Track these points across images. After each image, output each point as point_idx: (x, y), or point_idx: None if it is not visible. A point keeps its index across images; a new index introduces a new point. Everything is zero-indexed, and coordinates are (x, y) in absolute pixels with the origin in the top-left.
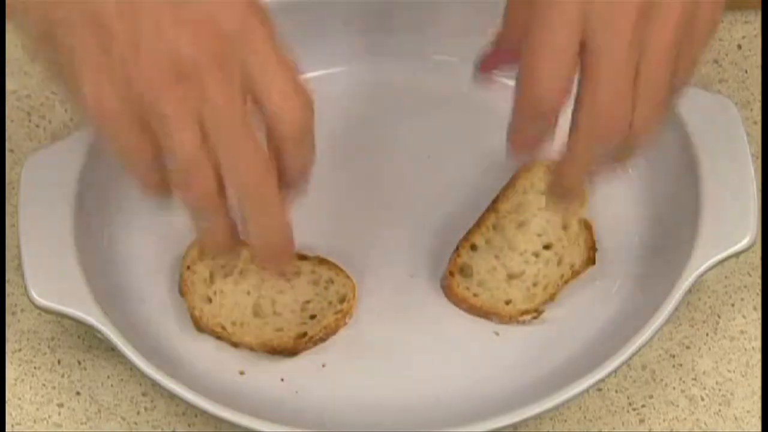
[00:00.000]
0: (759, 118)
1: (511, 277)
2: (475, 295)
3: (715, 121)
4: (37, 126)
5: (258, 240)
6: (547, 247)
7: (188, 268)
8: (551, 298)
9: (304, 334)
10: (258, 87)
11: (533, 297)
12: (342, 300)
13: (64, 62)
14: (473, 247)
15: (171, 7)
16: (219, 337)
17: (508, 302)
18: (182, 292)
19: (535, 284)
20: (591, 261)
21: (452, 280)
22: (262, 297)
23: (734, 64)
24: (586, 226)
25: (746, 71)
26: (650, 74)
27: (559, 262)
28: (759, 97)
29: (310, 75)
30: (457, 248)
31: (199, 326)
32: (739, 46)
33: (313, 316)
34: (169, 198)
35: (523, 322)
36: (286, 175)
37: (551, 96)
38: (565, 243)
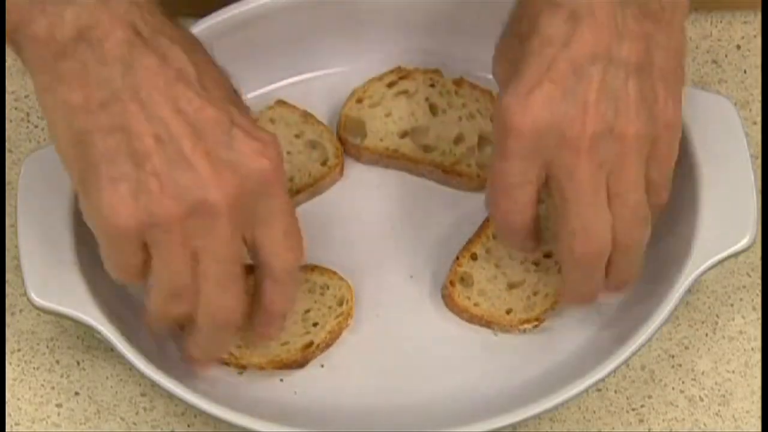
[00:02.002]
0: (758, 119)
1: (511, 286)
2: (475, 304)
3: (714, 121)
4: (36, 126)
5: (195, 351)
6: (547, 255)
7: None
8: (552, 306)
9: (310, 343)
10: (261, 232)
11: (533, 306)
12: (341, 303)
13: (91, 165)
14: (474, 257)
15: (205, 145)
16: (226, 364)
17: (508, 311)
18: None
19: (535, 293)
20: None
21: (453, 289)
22: None
23: (733, 64)
24: None
25: (745, 71)
26: (620, 190)
27: (560, 270)
28: (758, 97)
29: (310, 75)
30: (458, 258)
31: None
32: (738, 47)
33: (315, 324)
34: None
35: (524, 331)
36: (266, 310)
37: (518, 223)
38: None
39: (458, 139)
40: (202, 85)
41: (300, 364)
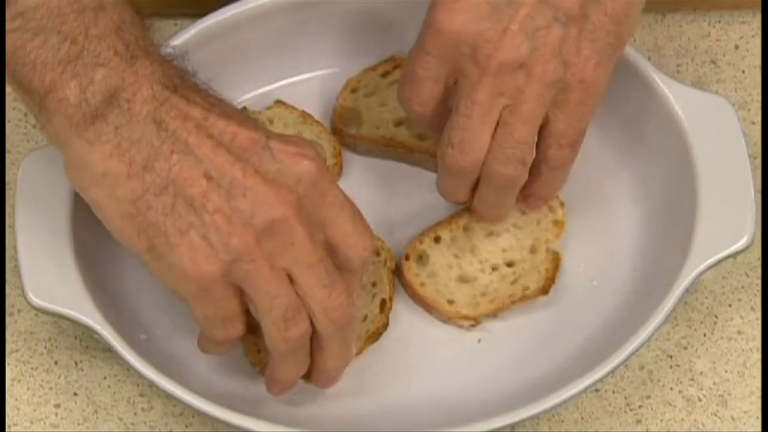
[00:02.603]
0: (756, 119)
1: (462, 280)
2: (422, 284)
3: (713, 121)
4: (34, 126)
5: (331, 362)
6: (509, 264)
7: None
8: (494, 313)
9: (383, 301)
10: (332, 230)
11: (476, 305)
12: (378, 252)
13: (154, 230)
14: (437, 239)
15: (253, 166)
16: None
17: (450, 302)
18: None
19: (483, 294)
20: (544, 291)
21: (405, 263)
22: None
23: (731, 64)
24: (554, 258)
25: (744, 71)
26: (509, 121)
27: (514, 282)
28: (756, 98)
29: (308, 75)
30: (421, 235)
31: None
32: (737, 47)
33: (374, 284)
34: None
35: (461, 327)
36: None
37: (418, 113)
38: (527, 266)
39: None
40: (226, 115)
41: (386, 325)
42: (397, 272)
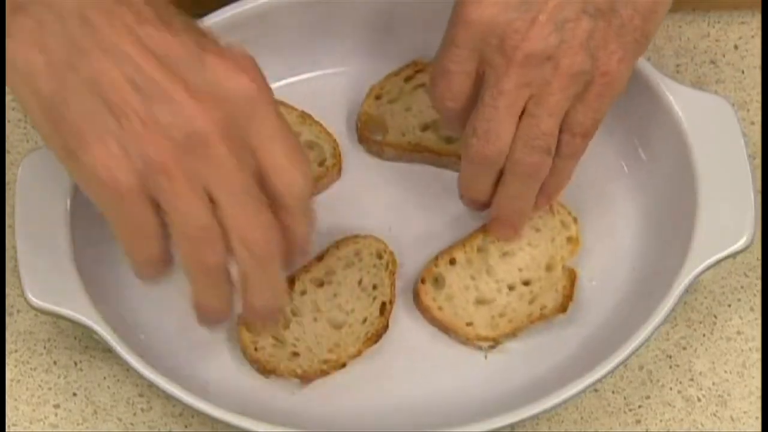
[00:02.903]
0: (756, 119)
1: (480, 301)
2: (439, 308)
3: (712, 121)
4: (33, 127)
5: (257, 300)
6: (525, 283)
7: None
8: (513, 333)
9: (383, 304)
10: (262, 157)
11: (495, 326)
12: (380, 255)
13: (72, 130)
14: (452, 261)
15: (180, 76)
16: (325, 372)
17: (469, 324)
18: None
19: (501, 315)
20: (563, 309)
21: (422, 287)
22: (327, 313)
23: (731, 64)
24: (570, 275)
25: (743, 72)
26: (534, 112)
27: (532, 301)
28: (756, 98)
29: (307, 75)
30: (437, 258)
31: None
32: (736, 47)
33: (375, 287)
34: (163, 275)
35: (479, 348)
36: (290, 241)
37: (450, 109)
38: (544, 284)
39: None
40: (163, 20)
41: (386, 327)
42: (414, 296)
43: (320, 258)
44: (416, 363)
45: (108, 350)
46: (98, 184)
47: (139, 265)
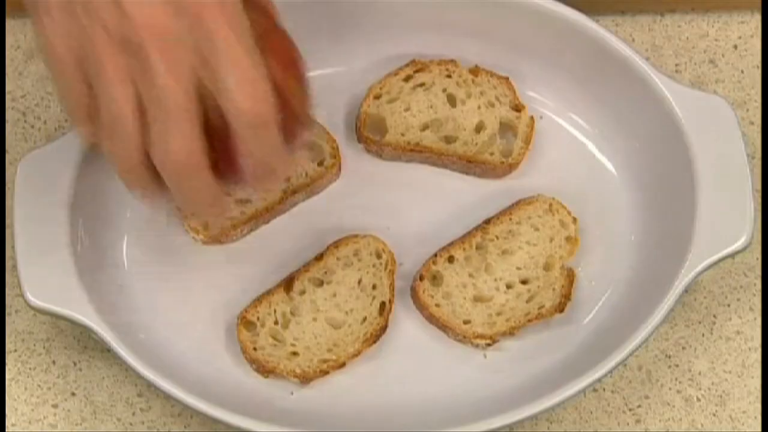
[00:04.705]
0: (755, 119)
1: (477, 299)
2: (437, 305)
3: (711, 121)
4: (32, 127)
5: (185, 207)
6: (523, 282)
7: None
8: (511, 331)
9: (383, 304)
10: (212, 73)
11: (493, 325)
12: (379, 255)
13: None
14: (450, 259)
15: None
16: (327, 371)
17: (466, 322)
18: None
19: (498, 313)
20: (560, 308)
21: (419, 284)
22: (326, 313)
23: (730, 64)
24: (569, 275)
25: (742, 71)
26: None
27: (529, 300)
28: (755, 97)
29: (309, 75)
30: (435, 255)
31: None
32: (735, 47)
33: (374, 287)
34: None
35: (476, 346)
36: (247, 164)
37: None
38: (542, 283)
39: (479, 128)
40: None
41: (385, 327)
42: (412, 294)
43: (319, 257)
44: (415, 362)
45: (107, 350)
46: (42, 49)
47: (80, 133)
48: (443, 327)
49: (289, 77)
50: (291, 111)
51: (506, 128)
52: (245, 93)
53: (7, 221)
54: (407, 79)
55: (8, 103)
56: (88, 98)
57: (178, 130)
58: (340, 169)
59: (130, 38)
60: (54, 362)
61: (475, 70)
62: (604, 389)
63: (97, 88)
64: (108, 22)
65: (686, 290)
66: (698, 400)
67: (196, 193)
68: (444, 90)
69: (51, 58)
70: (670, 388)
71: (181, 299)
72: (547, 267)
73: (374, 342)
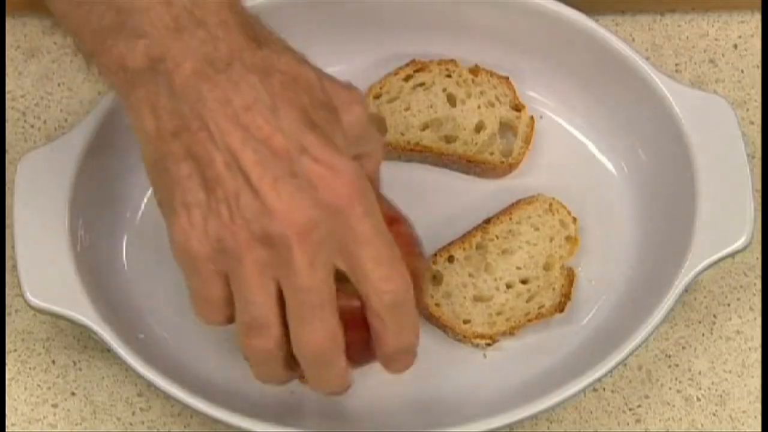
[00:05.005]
0: (755, 118)
1: (477, 299)
2: (436, 304)
3: (711, 121)
4: (32, 126)
5: (318, 389)
6: (523, 281)
7: None
8: (511, 331)
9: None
10: (350, 262)
11: (493, 324)
12: None
13: (167, 191)
14: (450, 259)
15: (273, 174)
16: None
17: (466, 321)
18: None
19: (498, 313)
20: (560, 308)
21: None
22: None
23: (730, 64)
24: (569, 275)
25: (742, 71)
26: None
27: (529, 300)
28: (755, 97)
29: None
30: (435, 255)
31: None
32: (735, 46)
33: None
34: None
35: (476, 346)
36: (381, 345)
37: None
38: (542, 283)
39: (479, 128)
40: (274, 111)
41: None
42: None
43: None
44: (415, 362)
45: (107, 350)
46: (176, 247)
47: (204, 322)
48: (443, 327)
49: (412, 259)
50: (417, 290)
51: (506, 128)
52: (386, 276)
53: (7, 221)
54: (407, 78)
55: (8, 103)
56: (224, 294)
57: (321, 322)
58: None
59: (272, 233)
60: (54, 362)
61: (475, 70)
62: (604, 389)
63: (235, 285)
64: (250, 217)
65: (686, 290)
66: (698, 399)
67: (331, 378)
68: (444, 90)
69: (186, 256)
70: (670, 388)
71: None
72: (547, 267)
73: None
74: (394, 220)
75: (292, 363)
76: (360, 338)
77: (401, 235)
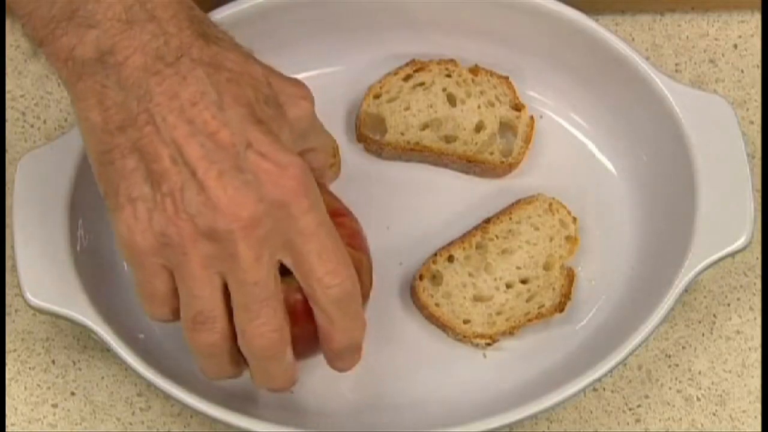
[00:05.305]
0: (755, 118)
1: (477, 299)
2: (436, 304)
3: (711, 120)
4: (32, 126)
5: (263, 384)
6: (523, 281)
7: None
8: (511, 331)
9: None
10: (295, 257)
11: (492, 324)
12: None
13: (112, 184)
14: (450, 259)
15: (218, 169)
16: None
17: (466, 321)
18: None
19: (498, 313)
20: (560, 308)
21: (419, 284)
22: None
23: (730, 63)
24: (569, 274)
25: (742, 71)
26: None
27: (529, 299)
28: (755, 97)
29: (306, 75)
30: (435, 254)
31: None
32: (735, 46)
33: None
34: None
35: (476, 346)
36: (326, 341)
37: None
38: (542, 283)
39: (479, 127)
40: (220, 106)
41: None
42: (411, 293)
43: None
44: (415, 362)
45: (106, 350)
46: (121, 241)
47: (150, 317)
48: (443, 326)
49: (358, 253)
50: (362, 284)
51: (506, 128)
52: (332, 270)
53: (7, 221)
54: (407, 78)
55: (8, 103)
56: (169, 288)
57: (266, 316)
58: (339, 168)
59: (217, 228)
60: (54, 362)
61: (474, 70)
62: (604, 389)
63: (180, 279)
64: (195, 212)
65: (686, 290)
66: (698, 399)
67: (278, 373)
68: (444, 89)
69: (131, 250)
70: (670, 388)
71: None
72: (547, 266)
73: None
74: (339, 213)
75: (239, 358)
76: (307, 332)
77: (346, 227)
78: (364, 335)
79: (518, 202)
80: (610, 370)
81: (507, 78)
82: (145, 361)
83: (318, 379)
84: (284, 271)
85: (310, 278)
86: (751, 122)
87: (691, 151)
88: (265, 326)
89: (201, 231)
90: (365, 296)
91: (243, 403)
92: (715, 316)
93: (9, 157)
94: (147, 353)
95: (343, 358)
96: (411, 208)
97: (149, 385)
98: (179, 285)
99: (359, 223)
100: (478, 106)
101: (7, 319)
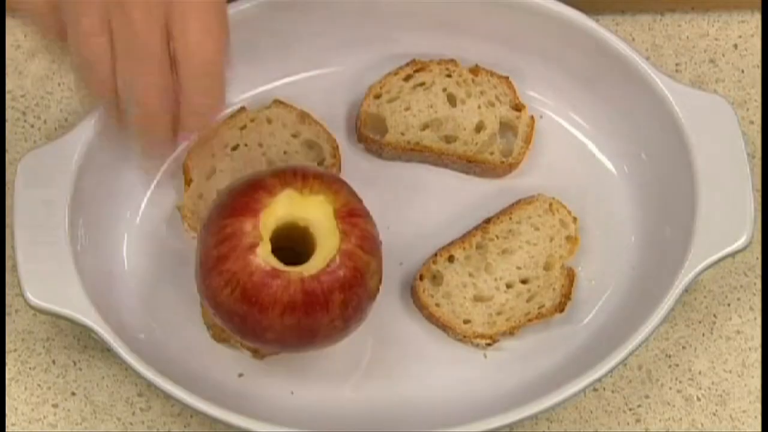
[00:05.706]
0: (755, 118)
1: (477, 299)
2: (437, 304)
3: (712, 120)
4: (32, 126)
5: (142, 142)
6: (523, 281)
7: None
8: (511, 331)
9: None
10: (173, 18)
11: (493, 324)
12: None
13: None
14: (450, 259)
15: None
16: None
17: (466, 321)
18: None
19: (498, 313)
20: (560, 308)
21: (419, 284)
22: None
23: (730, 63)
24: (569, 274)
25: (743, 71)
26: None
27: (529, 300)
28: (755, 97)
29: (306, 74)
30: (435, 254)
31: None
32: (736, 46)
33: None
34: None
35: (476, 346)
36: (186, 105)
37: None
38: (542, 283)
39: (479, 128)
40: None
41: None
42: (412, 293)
43: None
44: (415, 362)
45: (107, 350)
46: None
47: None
48: (443, 327)
49: (366, 254)
50: (366, 287)
51: (506, 128)
52: (198, 36)
53: (7, 221)
54: (407, 78)
55: (8, 103)
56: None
57: (146, 68)
58: (340, 168)
59: None
60: (54, 362)
61: (475, 70)
62: (604, 389)
63: (70, 22)
64: None
65: (686, 290)
66: (698, 399)
67: (157, 127)
68: (444, 89)
69: (25, 5)
70: (670, 388)
71: (181, 299)
72: (547, 266)
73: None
74: (355, 214)
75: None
76: (304, 324)
77: (358, 228)
78: (223, 105)
79: (518, 202)
80: (611, 370)
81: (507, 78)
82: (145, 361)
83: (318, 379)
84: (287, 263)
85: (183, 37)
86: (751, 122)
87: (691, 151)
88: (150, 77)
89: None
90: (370, 299)
91: (243, 403)
92: (715, 316)
93: (9, 157)
94: (147, 353)
95: (196, 116)
96: (411, 208)
97: (149, 385)
98: (70, 26)
99: (375, 228)
100: (479, 106)
101: (8, 319)
